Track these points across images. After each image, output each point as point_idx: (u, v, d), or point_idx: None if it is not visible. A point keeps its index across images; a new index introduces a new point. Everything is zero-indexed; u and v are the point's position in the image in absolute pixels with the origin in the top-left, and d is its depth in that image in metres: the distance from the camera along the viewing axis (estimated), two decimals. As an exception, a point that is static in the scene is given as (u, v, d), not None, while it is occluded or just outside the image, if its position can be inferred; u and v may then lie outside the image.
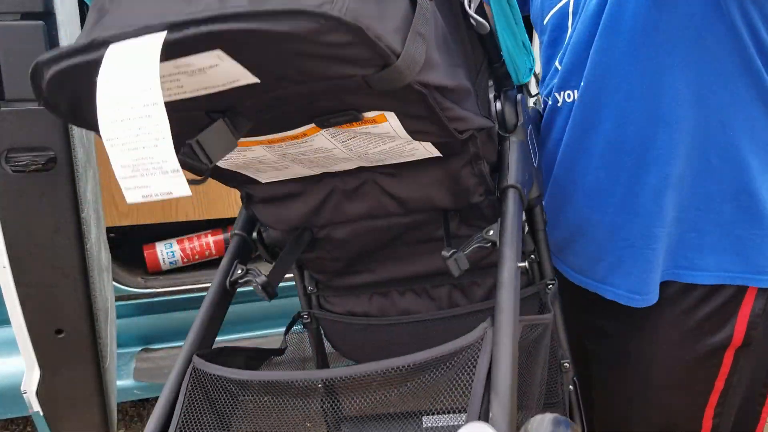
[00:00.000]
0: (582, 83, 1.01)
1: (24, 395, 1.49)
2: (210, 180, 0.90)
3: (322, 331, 1.16)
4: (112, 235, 2.11)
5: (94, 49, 0.58)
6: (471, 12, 0.76)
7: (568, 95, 1.07)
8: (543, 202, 1.02)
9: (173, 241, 2.25)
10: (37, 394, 1.48)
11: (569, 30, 1.07)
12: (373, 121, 0.70)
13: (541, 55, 1.19)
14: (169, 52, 0.55)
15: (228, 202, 2.22)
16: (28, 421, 2.43)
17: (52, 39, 1.28)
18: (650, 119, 0.95)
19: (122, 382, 1.95)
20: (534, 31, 1.26)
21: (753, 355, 1.04)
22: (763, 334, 0.97)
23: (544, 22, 1.15)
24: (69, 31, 1.35)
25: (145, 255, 2.21)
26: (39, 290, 1.40)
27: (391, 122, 0.70)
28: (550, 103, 1.14)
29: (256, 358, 1.03)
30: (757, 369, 1.08)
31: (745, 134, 0.94)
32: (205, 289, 1.30)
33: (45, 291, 1.40)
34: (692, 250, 1.01)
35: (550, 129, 1.13)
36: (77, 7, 1.47)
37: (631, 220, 1.01)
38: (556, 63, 1.12)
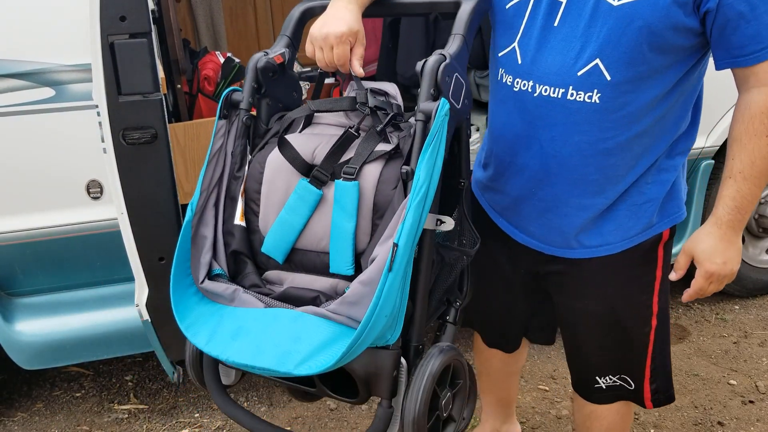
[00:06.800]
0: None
1: (136, 308, 2.05)
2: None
3: None
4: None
5: None
6: None
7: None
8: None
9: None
10: (146, 307, 2.04)
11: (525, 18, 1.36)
12: None
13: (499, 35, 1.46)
14: None
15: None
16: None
17: (150, 51, 1.85)
18: None
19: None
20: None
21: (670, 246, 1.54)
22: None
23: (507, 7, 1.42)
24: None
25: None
26: (146, 229, 1.96)
27: None
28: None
29: None
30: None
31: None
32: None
33: (150, 229, 1.96)
34: None
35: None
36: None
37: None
38: (516, 45, 1.40)
